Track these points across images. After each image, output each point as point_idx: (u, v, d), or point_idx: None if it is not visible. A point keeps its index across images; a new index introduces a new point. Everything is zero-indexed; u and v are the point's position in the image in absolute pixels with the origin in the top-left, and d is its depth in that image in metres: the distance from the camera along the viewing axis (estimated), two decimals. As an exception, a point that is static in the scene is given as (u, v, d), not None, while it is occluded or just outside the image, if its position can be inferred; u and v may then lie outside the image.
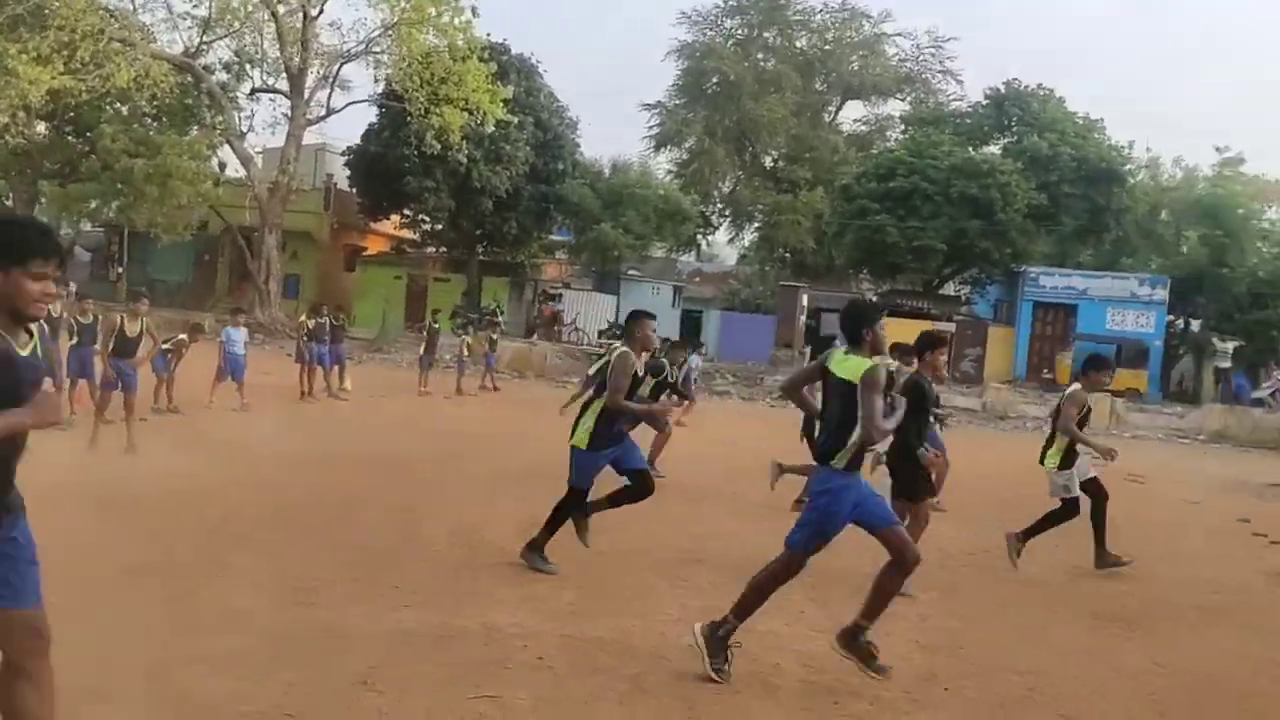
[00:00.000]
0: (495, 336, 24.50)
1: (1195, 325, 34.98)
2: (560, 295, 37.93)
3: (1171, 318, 34.09)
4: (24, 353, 3.07)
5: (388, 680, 4.78)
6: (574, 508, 7.11)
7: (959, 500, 11.44)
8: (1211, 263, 33.22)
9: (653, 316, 7.44)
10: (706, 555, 8.07)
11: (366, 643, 5.28)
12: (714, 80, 43.43)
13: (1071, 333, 33.46)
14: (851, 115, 46.91)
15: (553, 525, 7.11)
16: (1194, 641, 6.77)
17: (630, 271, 40.08)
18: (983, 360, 33.79)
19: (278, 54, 32.39)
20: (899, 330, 30.92)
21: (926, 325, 32.07)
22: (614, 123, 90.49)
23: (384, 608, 5.93)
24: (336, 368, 18.46)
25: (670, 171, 44.89)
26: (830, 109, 45.66)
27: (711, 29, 44.68)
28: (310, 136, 35.34)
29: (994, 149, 36.22)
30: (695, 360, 18.65)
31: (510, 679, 4.99)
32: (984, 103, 37.73)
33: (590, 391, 7.34)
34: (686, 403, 15.21)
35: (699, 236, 44.94)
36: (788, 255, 41.73)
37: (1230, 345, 30.16)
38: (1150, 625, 7.09)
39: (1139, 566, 8.55)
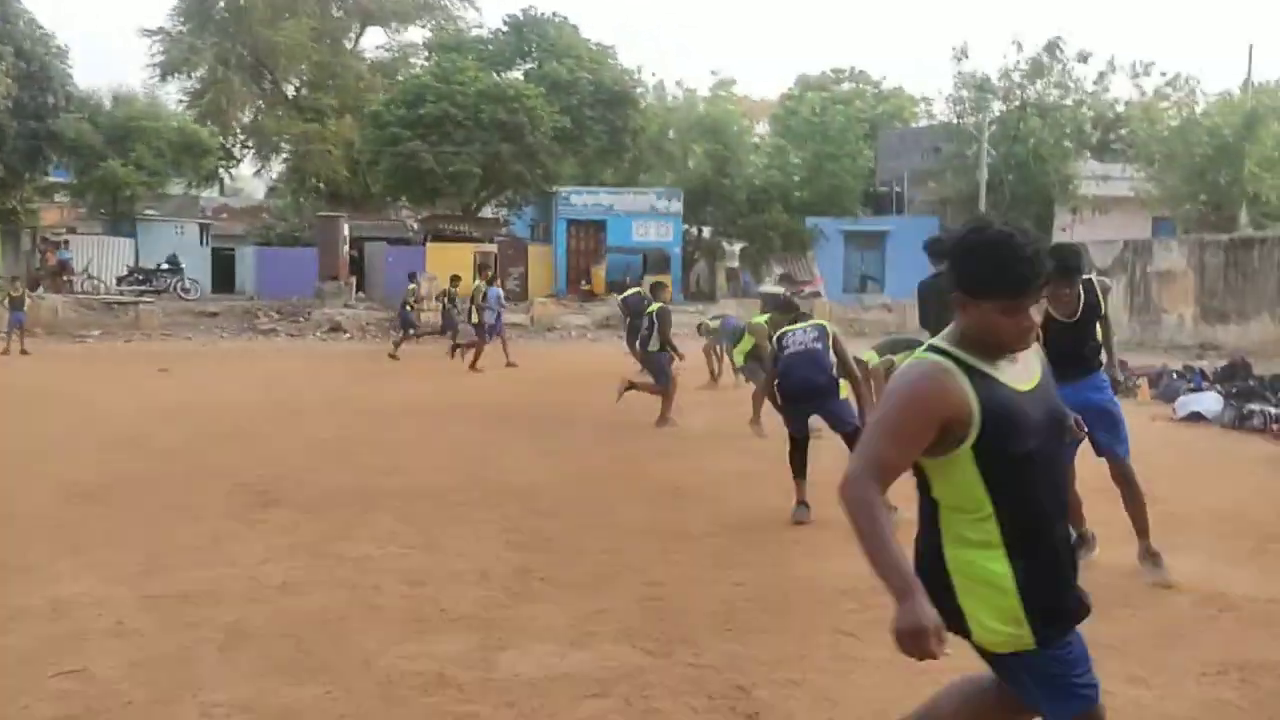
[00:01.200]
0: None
1: (706, 231, 38.48)
2: (65, 242, 34.05)
3: (686, 226, 37.20)
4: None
5: (-59, 676, 4.22)
6: None
7: (534, 410, 11.96)
8: (716, 174, 36.57)
9: None
10: (281, 494, 7.84)
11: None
12: (221, 4, 40.47)
13: (603, 246, 35.52)
14: (374, 42, 45.87)
15: None
16: (742, 502, 7.63)
17: (147, 211, 36.81)
18: (526, 277, 34.98)
19: None
20: (446, 254, 31.56)
21: (470, 248, 32.79)
22: (110, 51, 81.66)
23: (-84, 601, 5.19)
24: None
25: (182, 102, 41.50)
26: (351, 35, 44.33)
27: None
28: None
29: (517, 74, 37.13)
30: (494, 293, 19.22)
31: (92, 650, 4.59)
32: (504, 29, 38.47)
33: None
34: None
35: (221, 170, 42.14)
36: (321, 186, 40.33)
37: (737, 247, 33.65)
38: (703, 494, 7.90)
39: (688, 446, 9.47)
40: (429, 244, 34.05)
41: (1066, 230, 36.22)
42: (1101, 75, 37.00)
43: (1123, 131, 37.01)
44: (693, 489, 8.16)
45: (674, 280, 34.21)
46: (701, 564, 6.05)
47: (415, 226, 39.71)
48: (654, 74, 49.02)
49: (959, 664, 4.27)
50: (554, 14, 38.00)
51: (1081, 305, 5.61)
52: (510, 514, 7.27)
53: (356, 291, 32.65)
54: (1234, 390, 11.86)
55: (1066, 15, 78.60)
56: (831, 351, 7.36)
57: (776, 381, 7.54)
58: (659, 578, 5.76)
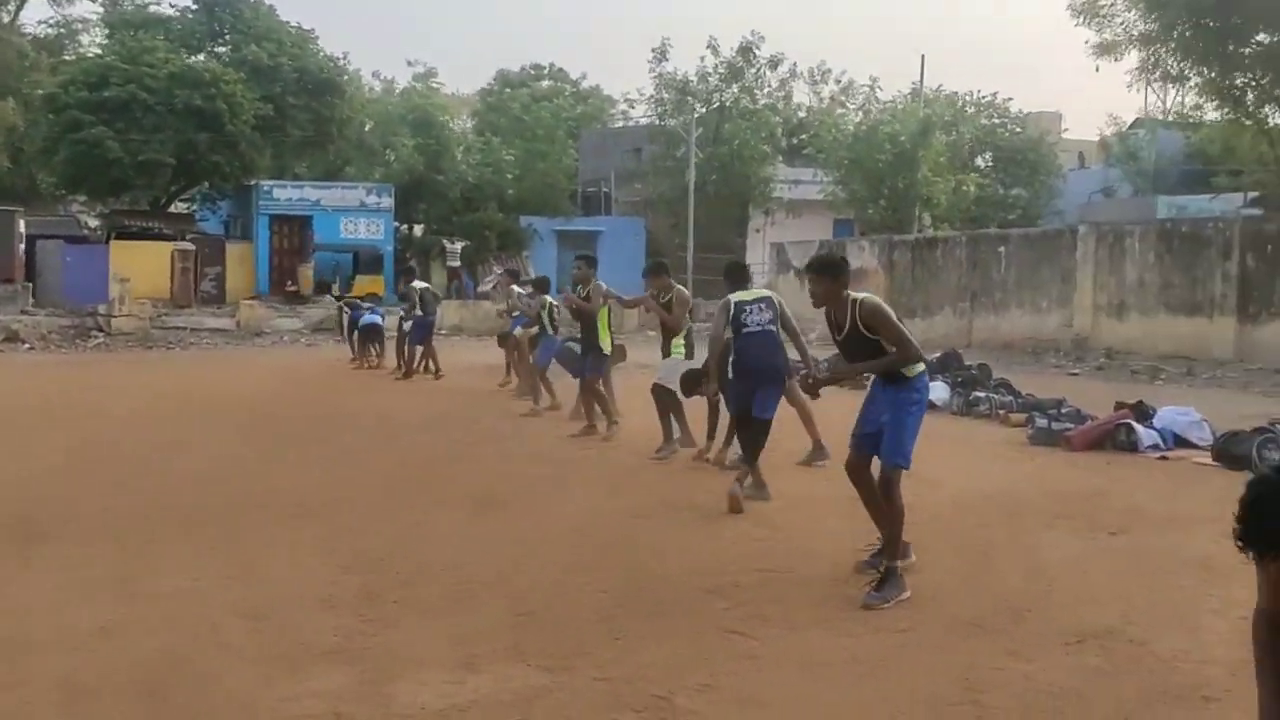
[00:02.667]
0: None
1: (418, 229, 37.63)
2: None
3: (398, 224, 36.23)
4: None
5: None
6: None
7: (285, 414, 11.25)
8: (428, 170, 35.85)
9: None
10: (43, 524, 6.95)
11: None
12: None
13: (310, 244, 33.95)
14: (35, 16, 41.43)
15: None
16: (564, 507, 7.52)
17: None
18: (224, 278, 32.82)
19: None
20: (134, 254, 29.03)
21: (166, 247, 30.34)
22: None
23: None
24: None
25: None
26: (9, 8, 39.83)
27: None
28: None
29: (205, 57, 34.74)
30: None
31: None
32: (193, 7, 35.84)
33: None
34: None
35: None
36: (-22, 178, 36.02)
37: (459, 246, 33.12)
38: (518, 499, 7.73)
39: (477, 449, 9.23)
40: (113, 243, 31.12)
41: (760, 231, 38.42)
42: (783, 82, 39.48)
43: (804, 136, 39.61)
44: (505, 494, 7.95)
45: (387, 281, 33.31)
46: (553, 573, 5.89)
47: (92, 224, 36.34)
48: (350, 63, 46.94)
49: (859, 654, 4.47)
50: (247, -7, 35.78)
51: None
52: (320, 533, 6.79)
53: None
54: (959, 380, 12.97)
55: (756, 19, 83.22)
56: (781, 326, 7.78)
57: (733, 358, 7.65)
58: (517, 591, 5.56)
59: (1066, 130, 47.87)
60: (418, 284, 16.98)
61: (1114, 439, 9.73)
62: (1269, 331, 16.81)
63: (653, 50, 38.86)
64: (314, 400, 14.09)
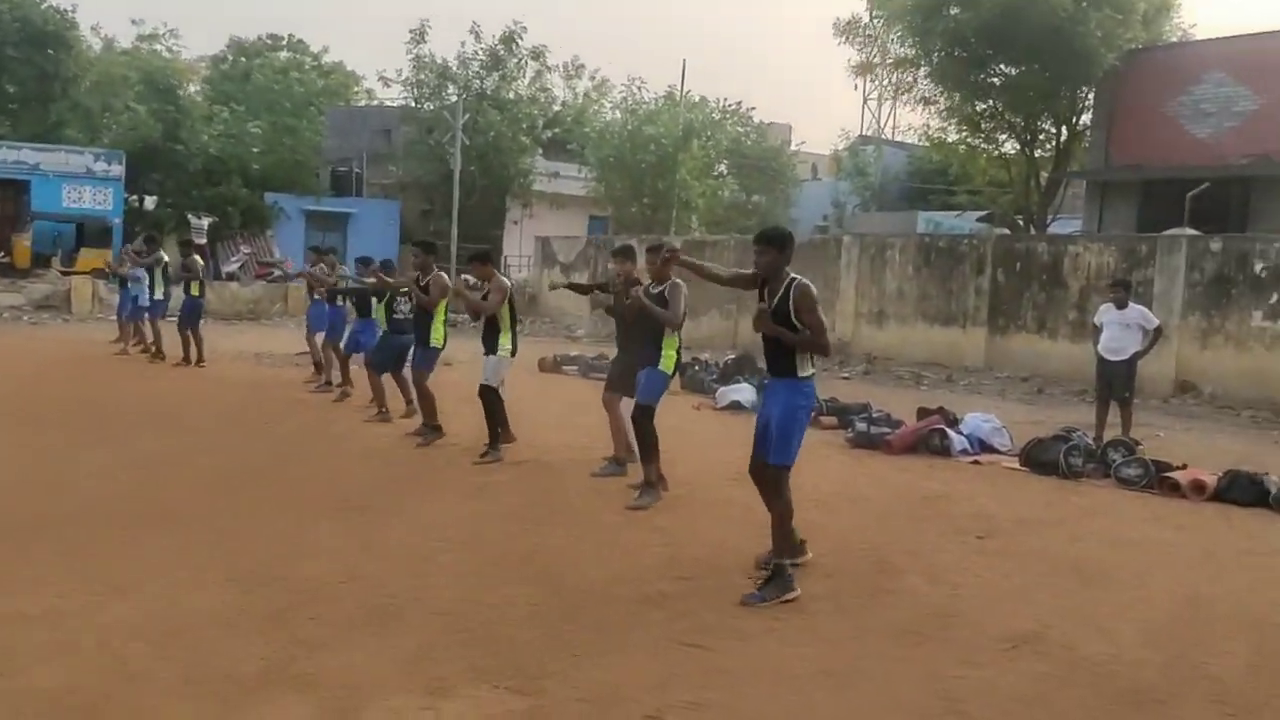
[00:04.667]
0: None
1: (150, 201, 34.80)
2: None
3: (128, 195, 33.39)
4: None
5: None
6: None
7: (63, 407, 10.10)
8: (166, 138, 33.26)
9: None
10: None
11: None
12: None
13: (27, 211, 30.73)
14: None
15: None
16: (422, 511, 7.15)
17: None
18: (-83, 245, 29.20)
19: None
20: None
21: None
22: None
23: None
24: None
25: None
26: None
27: None
28: None
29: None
30: None
31: None
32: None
33: None
34: None
35: None
36: None
37: (205, 221, 30.82)
38: (386, 504, 7.29)
39: (307, 446, 8.63)
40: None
41: (518, 223, 38.25)
42: (538, 74, 39.35)
43: (557, 131, 39.74)
44: (362, 498, 7.47)
45: (116, 257, 30.62)
46: (468, 585, 5.58)
47: None
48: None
49: (826, 665, 4.50)
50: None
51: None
52: (179, 544, 6.13)
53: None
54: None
55: (517, 8, 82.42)
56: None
57: None
58: (442, 605, 5.23)
59: (804, 143, 50.72)
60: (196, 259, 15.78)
61: (928, 443, 10.33)
62: (1016, 342, 18.38)
63: (411, 31, 37.83)
64: (91, 390, 12.69)
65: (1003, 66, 23.71)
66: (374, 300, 11.73)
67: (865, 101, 52.77)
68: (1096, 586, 6.03)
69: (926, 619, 5.32)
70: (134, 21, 69.19)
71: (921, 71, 24.24)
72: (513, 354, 9.26)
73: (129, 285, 17.01)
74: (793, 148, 45.90)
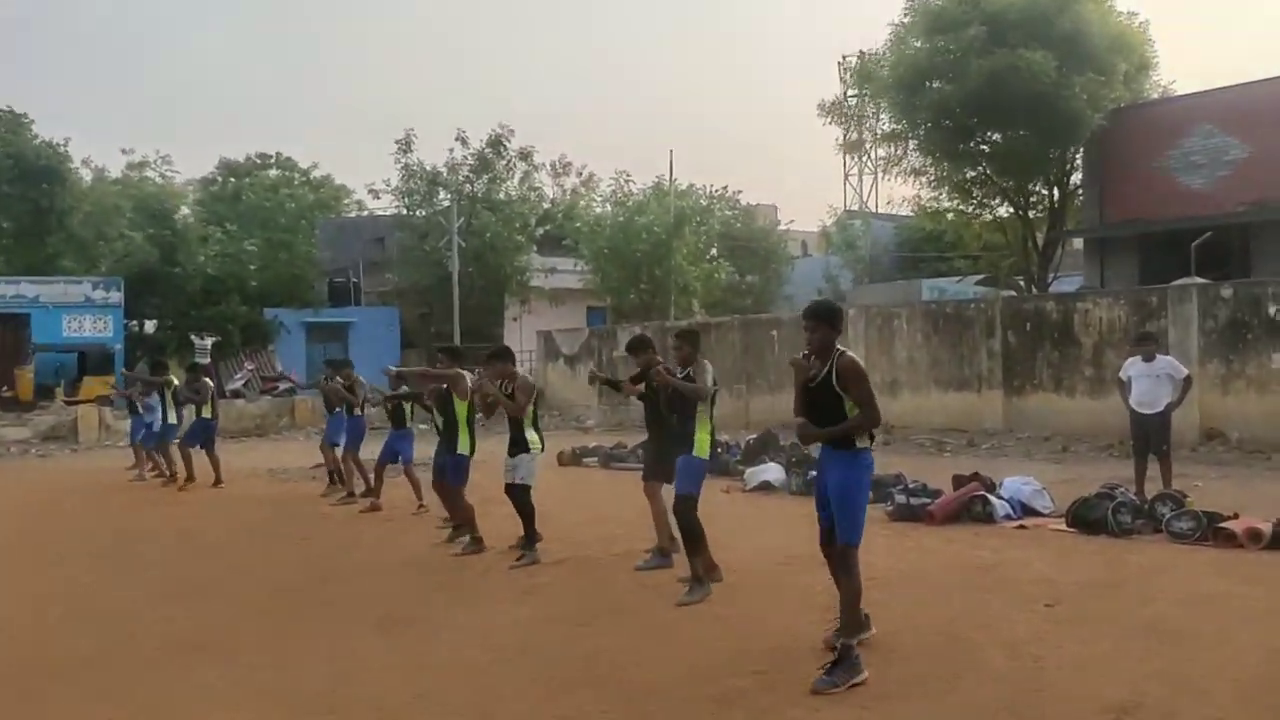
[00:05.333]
0: None
1: (150, 325, 34.87)
2: None
3: (128, 320, 33.48)
4: None
5: None
6: None
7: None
8: (163, 263, 33.46)
9: None
10: None
11: None
12: None
13: (28, 343, 30.76)
14: None
15: None
16: (467, 620, 6.94)
17: None
18: (-78, 384, 29.15)
19: None
20: None
21: None
22: None
23: None
24: None
25: None
26: None
27: None
28: None
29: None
30: None
31: None
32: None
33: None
34: None
35: None
36: None
37: (209, 341, 30.90)
38: (422, 617, 7.07)
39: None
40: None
41: (517, 320, 38.32)
42: (526, 174, 39.68)
43: (549, 227, 40.03)
44: (403, 611, 7.25)
45: (120, 382, 30.59)
46: (535, 696, 5.36)
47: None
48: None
49: None
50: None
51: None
52: (232, 674, 5.92)
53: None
54: (794, 459, 13.23)
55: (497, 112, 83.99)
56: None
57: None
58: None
59: (793, 221, 51.15)
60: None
61: (970, 510, 10.14)
62: (1033, 402, 18.28)
63: (397, 142, 38.28)
64: (111, 519, 12.49)
65: (990, 134, 24.01)
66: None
67: (846, 177, 53.54)
68: (1180, 647, 5.82)
69: (1018, 696, 5.10)
70: (124, 151, 70.37)
71: (911, 145, 24.55)
72: (541, 450, 9.13)
73: (141, 412, 16.89)
74: (781, 227, 46.35)
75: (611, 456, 16.37)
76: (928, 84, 22.97)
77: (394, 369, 12.43)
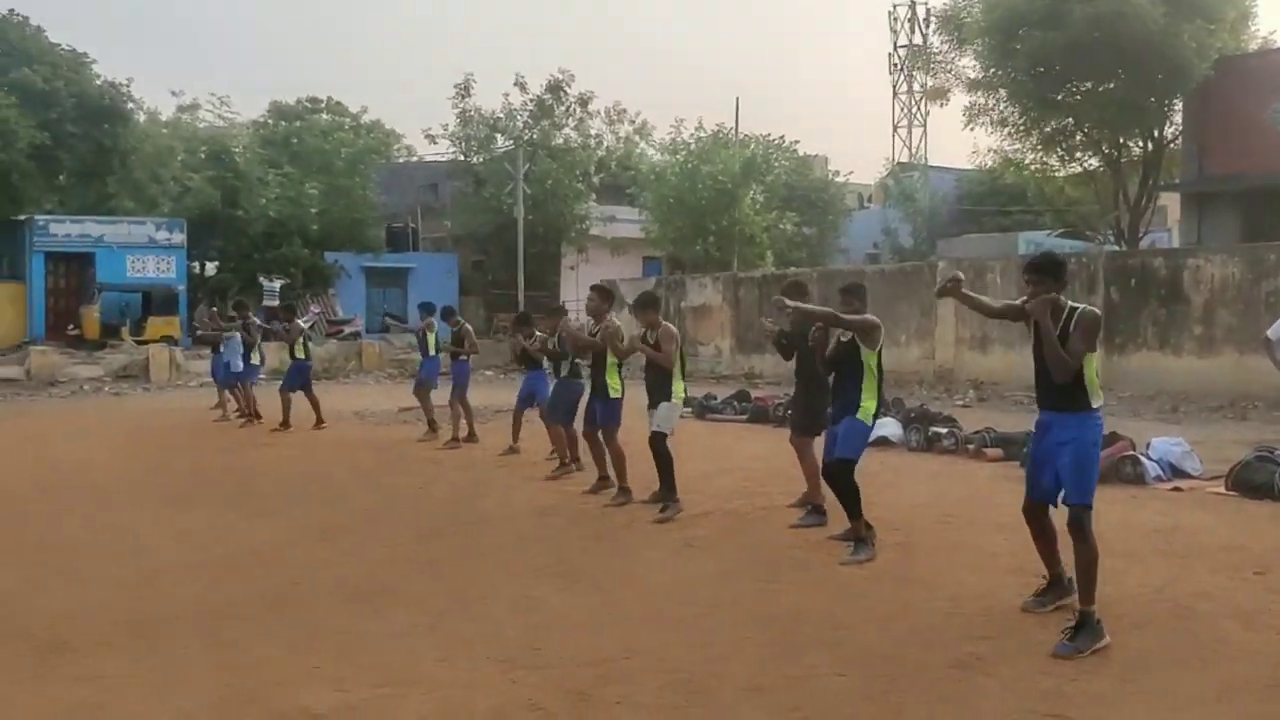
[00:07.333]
0: None
1: (211, 267, 34.80)
2: None
3: (191, 262, 33.42)
4: None
5: None
6: None
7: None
8: (225, 205, 33.33)
9: None
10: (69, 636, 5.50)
11: None
12: None
13: (93, 283, 30.83)
14: None
15: None
16: (643, 574, 6.67)
17: None
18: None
19: None
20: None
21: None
22: None
23: None
24: None
25: None
26: None
27: None
28: None
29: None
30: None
31: None
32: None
33: None
34: None
35: None
36: None
37: (278, 284, 30.83)
38: (592, 569, 6.81)
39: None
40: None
41: (574, 269, 37.93)
42: (580, 121, 39.09)
43: (603, 175, 39.43)
44: (570, 564, 7.00)
45: (183, 323, 30.61)
46: (759, 656, 5.08)
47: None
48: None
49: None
50: (13, 12, 32.18)
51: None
52: (415, 621, 5.68)
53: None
54: (912, 415, 12.88)
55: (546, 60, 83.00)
56: None
57: None
58: (745, 682, 4.73)
59: (852, 173, 50.21)
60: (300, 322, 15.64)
61: (1119, 471, 9.73)
62: (1135, 360, 17.77)
63: (455, 86, 37.87)
64: (218, 460, 12.37)
65: (1084, 84, 23.19)
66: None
67: (895, 129, 52.46)
68: None
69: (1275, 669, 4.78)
70: (174, 93, 70.36)
71: (1002, 93, 23.77)
72: (685, 400, 8.86)
73: (221, 350, 16.75)
74: (839, 178, 45.52)
75: (706, 407, 16.07)
76: (1023, 30, 22.17)
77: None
